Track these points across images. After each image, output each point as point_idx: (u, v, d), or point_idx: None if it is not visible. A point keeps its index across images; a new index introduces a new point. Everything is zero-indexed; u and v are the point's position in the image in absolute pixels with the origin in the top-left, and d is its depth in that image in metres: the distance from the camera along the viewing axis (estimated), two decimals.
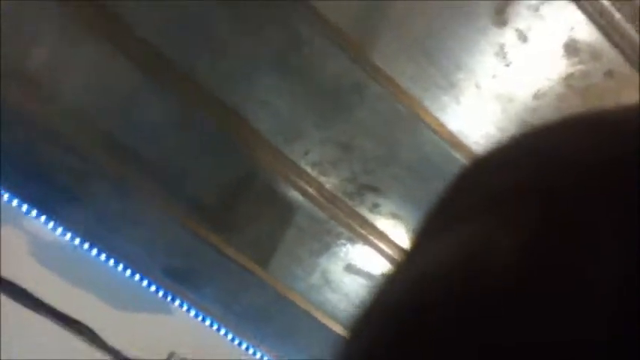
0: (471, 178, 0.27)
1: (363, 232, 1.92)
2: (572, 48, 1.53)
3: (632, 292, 0.19)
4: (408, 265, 0.25)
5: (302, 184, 1.83)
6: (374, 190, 1.84)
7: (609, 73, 1.54)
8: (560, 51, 1.55)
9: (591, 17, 1.47)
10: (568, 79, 1.58)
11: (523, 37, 1.53)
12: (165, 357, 2.02)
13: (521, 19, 1.51)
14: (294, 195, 1.85)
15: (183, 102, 1.71)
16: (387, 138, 1.74)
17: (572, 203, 0.21)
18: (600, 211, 0.21)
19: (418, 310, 0.22)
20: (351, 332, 0.24)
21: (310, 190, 1.84)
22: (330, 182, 1.84)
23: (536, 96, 1.62)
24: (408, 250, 0.26)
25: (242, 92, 1.69)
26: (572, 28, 1.51)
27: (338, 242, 1.95)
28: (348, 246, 1.95)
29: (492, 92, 1.63)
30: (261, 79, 1.66)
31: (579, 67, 1.55)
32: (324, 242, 1.94)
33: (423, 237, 0.26)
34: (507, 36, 1.53)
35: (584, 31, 1.50)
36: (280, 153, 1.78)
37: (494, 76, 1.60)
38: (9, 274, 1.85)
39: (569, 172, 0.22)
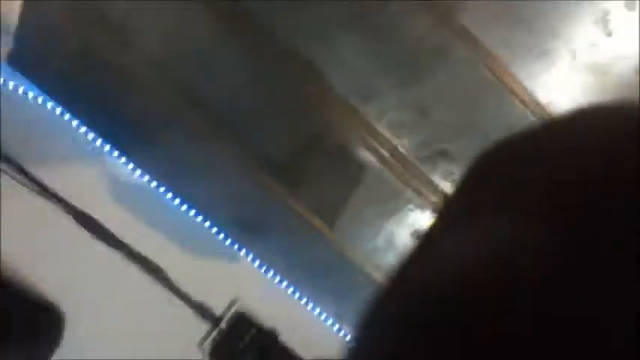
0: (494, 166, 0.26)
1: (433, 198, 1.88)
2: None
3: None
4: (427, 254, 0.24)
5: (375, 145, 1.81)
6: (449, 157, 1.79)
7: None
8: None
9: None
10: None
11: (630, 5, 1.42)
12: (227, 303, 2.08)
13: None
14: (367, 156, 1.83)
15: (261, 56, 1.70)
16: (469, 105, 1.68)
17: (600, 199, 0.20)
18: (628, 205, 0.20)
19: (441, 307, 0.20)
20: (364, 326, 0.23)
21: (383, 152, 1.81)
22: (404, 146, 1.80)
23: (636, 70, 1.51)
24: (425, 236, 0.25)
25: (321, 49, 1.66)
26: None
27: (407, 207, 1.91)
28: (417, 212, 1.92)
29: (588, 63, 1.54)
30: (341, 35, 1.63)
31: None
32: (392, 206, 1.92)
33: (444, 225, 0.25)
34: (612, 2, 1.42)
35: None
36: (356, 112, 1.75)
37: (592, 46, 1.50)
38: (89, 209, 1.94)
39: (595, 168, 0.22)
